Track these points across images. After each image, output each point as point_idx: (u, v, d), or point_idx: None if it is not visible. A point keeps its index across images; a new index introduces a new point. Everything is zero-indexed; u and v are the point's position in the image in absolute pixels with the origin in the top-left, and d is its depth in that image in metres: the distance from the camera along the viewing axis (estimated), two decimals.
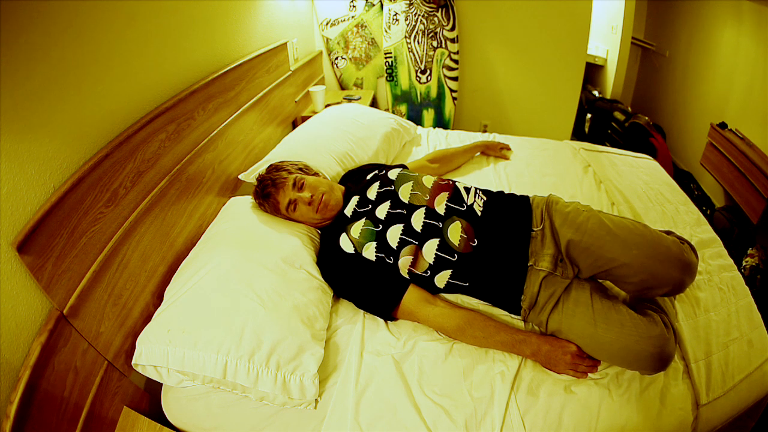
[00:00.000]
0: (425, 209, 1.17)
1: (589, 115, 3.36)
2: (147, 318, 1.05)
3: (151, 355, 0.94)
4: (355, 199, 1.26)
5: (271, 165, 1.35)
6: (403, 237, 1.13)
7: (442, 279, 1.12)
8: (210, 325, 0.95)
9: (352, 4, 2.51)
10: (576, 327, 0.99)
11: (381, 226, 1.16)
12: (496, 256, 1.12)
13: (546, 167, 1.84)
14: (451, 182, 1.27)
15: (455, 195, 1.22)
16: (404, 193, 1.22)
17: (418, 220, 1.15)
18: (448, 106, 2.65)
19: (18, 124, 0.78)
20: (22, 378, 0.75)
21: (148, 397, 1.08)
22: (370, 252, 1.14)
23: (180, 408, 1.00)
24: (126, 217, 1.02)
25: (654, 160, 1.99)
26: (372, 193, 1.25)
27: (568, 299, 1.03)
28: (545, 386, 0.95)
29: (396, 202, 1.20)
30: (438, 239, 1.12)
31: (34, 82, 0.82)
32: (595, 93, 3.46)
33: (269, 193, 1.25)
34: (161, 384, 1.03)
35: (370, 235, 1.15)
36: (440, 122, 2.70)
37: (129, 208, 1.03)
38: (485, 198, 1.24)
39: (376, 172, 1.35)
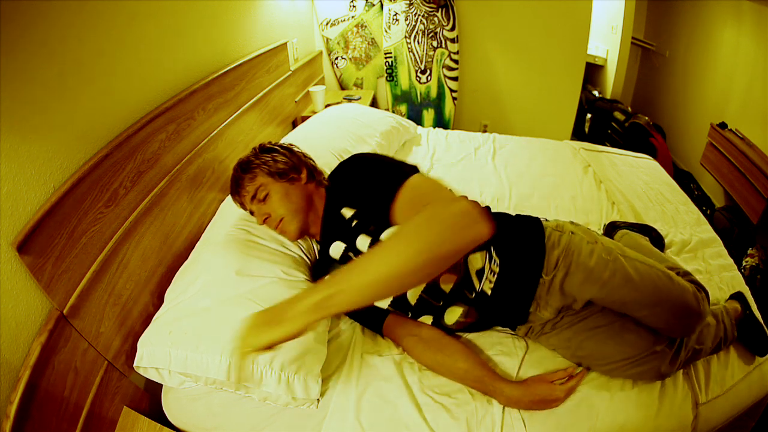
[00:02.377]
0: (421, 292, 0.97)
1: (589, 115, 3.36)
2: (147, 318, 1.05)
3: (152, 358, 0.94)
4: (340, 248, 1.01)
5: (255, 148, 1.14)
6: (392, 308, 1.02)
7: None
8: (212, 327, 0.94)
9: (352, 4, 2.51)
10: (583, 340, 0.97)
11: None
12: (495, 319, 1.05)
13: (546, 167, 1.84)
14: (460, 264, 0.97)
15: (465, 281, 0.97)
16: None
17: (413, 293, 0.98)
18: (448, 106, 2.65)
19: (18, 124, 0.78)
20: (22, 378, 0.75)
21: (148, 397, 1.08)
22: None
23: (180, 408, 1.00)
24: (126, 217, 1.02)
25: (654, 160, 1.99)
26: (362, 246, 0.97)
27: (565, 329, 0.99)
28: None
29: None
30: (432, 317, 1.01)
31: (35, 82, 0.82)
32: (595, 93, 3.46)
33: (234, 191, 1.12)
34: (161, 384, 1.03)
35: None
36: (440, 122, 2.70)
37: (129, 208, 1.03)
38: (498, 266, 0.97)
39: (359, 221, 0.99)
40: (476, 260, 0.97)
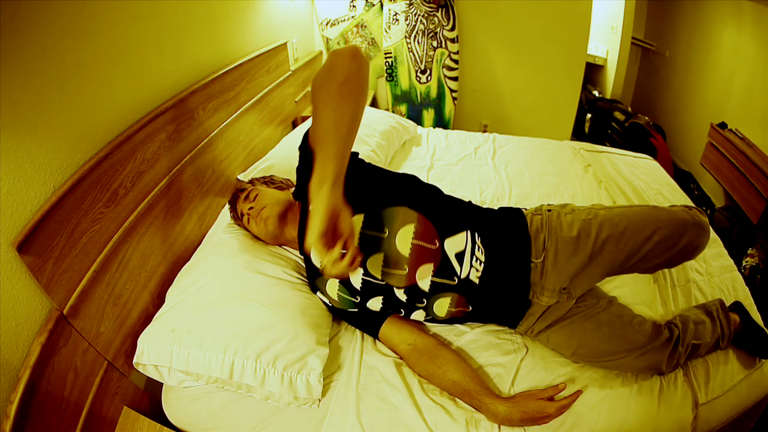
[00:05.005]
0: (404, 290, 0.97)
1: (589, 115, 3.36)
2: (147, 318, 1.05)
3: (153, 355, 0.94)
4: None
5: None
6: (384, 308, 1.02)
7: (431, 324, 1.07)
8: (216, 326, 0.95)
9: (352, 4, 2.51)
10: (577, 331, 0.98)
11: (359, 297, 1.00)
12: (493, 310, 1.05)
13: (546, 167, 1.84)
14: (437, 246, 0.95)
15: (444, 266, 0.95)
16: (374, 268, 0.95)
17: (400, 294, 0.98)
18: (448, 106, 2.65)
19: (18, 124, 0.78)
20: (22, 378, 0.75)
21: (148, 397, 1.08)
22: (350, 312, 1.06)
23: (181, 408, 1.00)
24: (126, 217, 1.02)
25: (654, 160, 1.99)
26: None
27: (566, 326, 1.00)
28: (544, 385, 0.95)
29: (368, 274, 0.97)
30: (424, 312, 1.02)
31: (35, 82, 0.82)
32: (595, 93, 3.46)
33: (232, 198, 1.21)
34: (161, 384, 1.03)
35: (348, 304, 1.03)
36: (440, 122, 2.70)
37: (129, 208, 1.03)
38: (484, 255, 0.99)
39: None
40: (456, 243, 0.96)
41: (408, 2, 2.40)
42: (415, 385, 0.96)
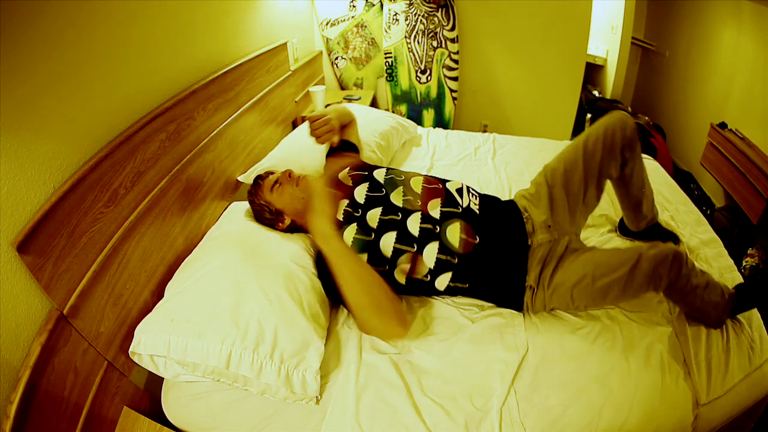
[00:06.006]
0: (420, 214, 1.14)
1: (589, 115, 3.36)
2: None
3: (151, 344, 0.94)
4: (344, 201, 1.21)
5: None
6: (398, 246, 1.09)
7: (442, 282, 1.11)
8: (215, 316, 0.95)
9: (352, 4, 2.51)
10: (579, 262, 1.07)
11: (373, 234, 1.11)
12: (499, 249, 1.13)
13: None
14: (441, 186, 1.24)
15: (448, 199, 1.20)
16: (396, 198, 1.19)
17: (414, 224, 1.12)
18: (448, 106, 2.65)
19: (18, 124, 0.78)
20: (22, 378, 0.75)
21: (148, 397, 1.08)
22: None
23: (181, 407, 1.00)
24: (126, 217, 1.02)
25: (654, 160, 1.99)
26: (360, 195, 1.21)
27: (572, 258, 1.10)
28: (545, 386, 0.95)
29: (388, 207, 1.16)
30: (437, 242, 1.10)
31: (35, 82, 0.82)
32: (595, 93, 3.46)
33: (257, 183, 1.28)
34: (161, 384, 1.03)
35: (361, 245, 1.10)
36: (440, 122, 2.70)
37: (129, 208, 1.03)
38: (477, 198, 1.25)
39: (360, 170, 1.32)
40: (454, 184, 1.27)
41: (408, 2, 2.40)
42: (414, 385, 0.96)
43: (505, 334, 1.07)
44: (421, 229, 1.11)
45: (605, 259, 1.04)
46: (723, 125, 2.38)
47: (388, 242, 1.09)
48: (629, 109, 3.12)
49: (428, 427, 0.88)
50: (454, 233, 1.11)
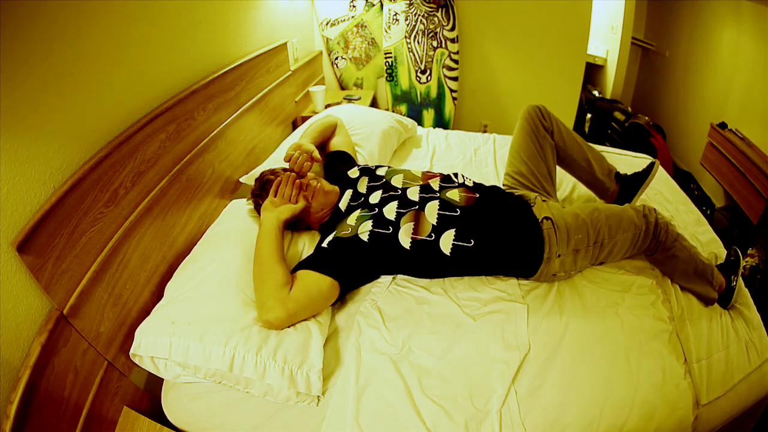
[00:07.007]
0: (419, 186, 1.25)
1: (589, 115, 3.36)
2: None
3: (152, 346, 0.94)
4: (348, 193, 1.30)
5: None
6: (400, 210, 1.17)
7: (447, 242, 1.11)
8: (217, 318, 0.95)
9: (352, 4, 2.51)
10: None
11: (377, 209, 1.19)
12: (499, 204, 1.21)
13: None
14: (439, 173, 1.36)
15: (446, 178, 1.31)
16: (396, 181, 1.29)
17: (413, 193, 1.22)
18: (448, 106, 2.65)
19: (18, 124, 0.78)
20: (22, 378, 0.75)
21: (148, 397, 1.08)
22: (365, 231, 1.13)
23: (181, 407, 1.00)
24: (126, 217, 1.02)
25: (654, 160, 1.98)
26: (363, 186, 1.30)
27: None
28: (546, 385, 0.95)
29: (388, 188, 1.26)
30: (437, 200, 1.18)
31: (35, 82, 0.82)
32: (595, 93, 3.46)
33: (268, 180, 1.29)
34: (161, 384, 1.03)
35: (366, 217, 1.17)
36: (440, 122, 2.70)
37: (129, 208, 1.03)
38: (473, 181, 1.36)
39: (360, 168, 1.41)
40: (450, 172, 1.37)
41: (408, 2, 2.40)
42: (414, 386, 0.96)
43: (506, 332, 1.07)
44: (421, 197, 1.20)
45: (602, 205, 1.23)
46: (723, 125, 2.38)
47: (390, 209, 1.18)
48: (629, 109, 3.12)
49: (428, 428, 0.88)
50: (453, 193, 1.22)
